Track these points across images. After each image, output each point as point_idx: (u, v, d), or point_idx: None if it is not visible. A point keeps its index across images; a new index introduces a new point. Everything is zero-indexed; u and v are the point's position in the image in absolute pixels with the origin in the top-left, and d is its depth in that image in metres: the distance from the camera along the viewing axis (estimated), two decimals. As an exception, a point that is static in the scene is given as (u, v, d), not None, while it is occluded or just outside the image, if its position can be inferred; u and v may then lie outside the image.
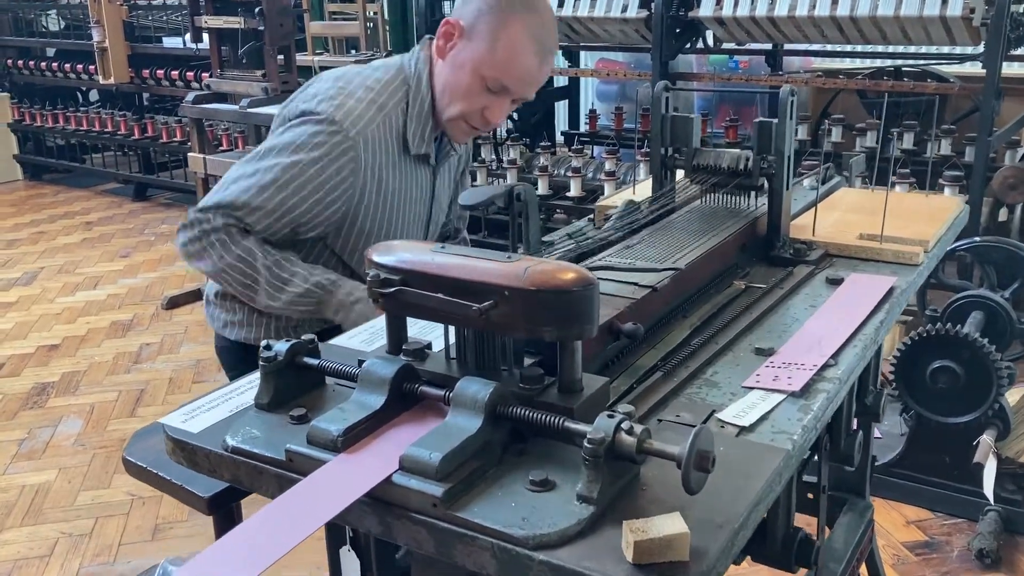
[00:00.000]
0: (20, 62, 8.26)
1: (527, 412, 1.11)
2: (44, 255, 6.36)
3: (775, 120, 1.83)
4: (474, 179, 4.97)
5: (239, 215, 1.92)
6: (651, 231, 1.82)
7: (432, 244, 1.26)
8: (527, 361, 1.27)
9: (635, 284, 1.51)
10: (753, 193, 1.93)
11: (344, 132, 1.92)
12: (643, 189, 2.15)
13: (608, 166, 4.84)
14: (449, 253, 1.22)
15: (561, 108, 6.59)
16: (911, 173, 4.16)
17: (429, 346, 1.34)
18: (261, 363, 1.27)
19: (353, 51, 7.15)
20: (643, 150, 5.04)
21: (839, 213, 2.12)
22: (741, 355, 1.47)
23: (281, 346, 1.29)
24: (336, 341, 1.58)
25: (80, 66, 7.63)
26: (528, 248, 1.57)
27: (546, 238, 1.75)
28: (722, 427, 1.24)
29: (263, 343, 1.30)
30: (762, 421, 1.25)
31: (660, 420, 1.26)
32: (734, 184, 1.90)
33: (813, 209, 2.01)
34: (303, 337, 1.32)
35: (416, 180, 2.09)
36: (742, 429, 1.23)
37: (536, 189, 1.61)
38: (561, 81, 6.49)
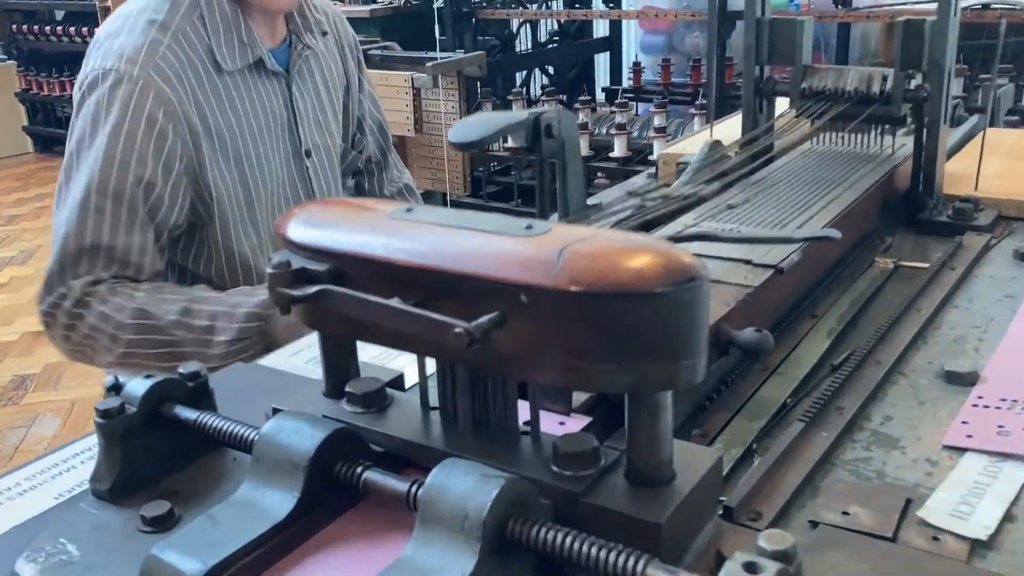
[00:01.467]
0: (25, 27, 7.79)
1: (567, 538, 0.55)
2: (45, 232, 5.91)
3: (929, 18, 1.23)
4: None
5: (88, 268, 1.36)
6: (748, 186, 1.23)
7: (390, 205, 0.69)
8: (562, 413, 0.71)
9: (748, 263, 0.94)
10: (880, 131, 1.34)
11: (126, 75, 1.38)
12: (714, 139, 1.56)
13: (657, 121, 4.21)
14: (418, 220, 0.65)
15: (601, 62, 5.95)
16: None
17: (399, 381, 0.79)
18: (98, 419, 0.72)
19: None
20: (698, 103, 4.43)
21: (1000, 160, 1.52)
22: (922, 383, 0.89)
23: (135, 387, 0.73)
24: (273, 359, 1.03)
25: (87, 29, 7.15)
26: (567, 212, 1.00)
27: (592, 200, 1.17)
28: (935, 539, 0.66)
29: (107, 380, 0.75)
30: (1007, 525, 0.67)
31: (814, 523, 0.69)
32: (865, 116, 1.30)
33: (966, 154, 1.41)
34: (182, 369, 0.77)
35: (259, 101, 1.52)
36: (975, 544, 0.65)
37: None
38: (601, 31, 5.86)
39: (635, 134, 4.41)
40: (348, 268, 0.65)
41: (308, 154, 1.61)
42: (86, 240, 1.34)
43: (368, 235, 0.65)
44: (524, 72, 5.32)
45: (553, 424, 0.76)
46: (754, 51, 1.35)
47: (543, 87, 5.18)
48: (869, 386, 0.86)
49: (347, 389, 0.73)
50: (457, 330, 0.56)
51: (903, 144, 1.34)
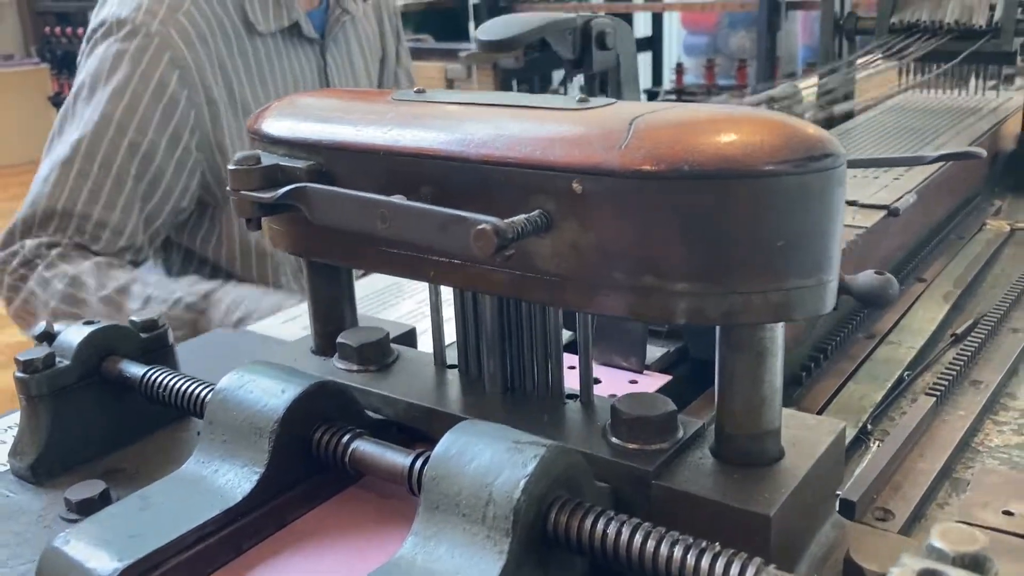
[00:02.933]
0: (58, 29, 7.79)
1: (634, 534, 0.38)
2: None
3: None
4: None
5: (52, 230, 1.21)
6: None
7: (390, 91, 0.53)
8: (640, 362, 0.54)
9: (853, 204, 0.76)
10: (984, 75, 1.15)
11: (142, 29, 1.21)
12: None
13: None
14: (430, 101, 0.48)
15: (643, 63, 5.78)
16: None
17: (410, 336, 0.62)
18: (19, 373, 0.56)
19: None
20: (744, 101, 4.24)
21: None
22: (1072, 357, 0.70)
23: (71, 335, 0.57)
24: (263, 327, 0.86)
25: (122, 33, 7.10)
26: None
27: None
28: None
29: (37, 327, 0.59)
30: None
31: (966, 525, 0.50)
32: (967, 54, 1.11)
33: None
34: (135, 316, 0.60)
35: (290, 69, 1.35)
36: None
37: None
38: (642, 30, 5.68)
39: None
40: (336, 164, 0.48)
41: None
42: (59, 203, 1.19)
43: (362, 121, 0.48)
44: (562, 72, 5.16)
45: (619, 384, 0.59)
46: None
47: (581, 87, 5.01)
48: (1008, 357, 0.67)
49: (339, 340, 0.56)
50: (482, 227, 0.38)
51: (1010, 97, 1.15)
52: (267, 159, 0.50)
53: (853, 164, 0.76)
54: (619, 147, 0.39)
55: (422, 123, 0.46)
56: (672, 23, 5.84)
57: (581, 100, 0.45)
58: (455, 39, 3.94)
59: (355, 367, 0.55)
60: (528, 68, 4.35)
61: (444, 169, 0.44)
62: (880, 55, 1.12)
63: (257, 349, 0.74)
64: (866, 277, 0.67)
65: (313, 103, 0.52)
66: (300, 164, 0.49)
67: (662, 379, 0.63)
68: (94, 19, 1.26)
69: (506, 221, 0.39)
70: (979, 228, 0.97)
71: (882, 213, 0.79)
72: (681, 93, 5.44)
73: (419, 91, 0.51)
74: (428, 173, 0.45)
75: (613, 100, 0.45)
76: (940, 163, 0.85)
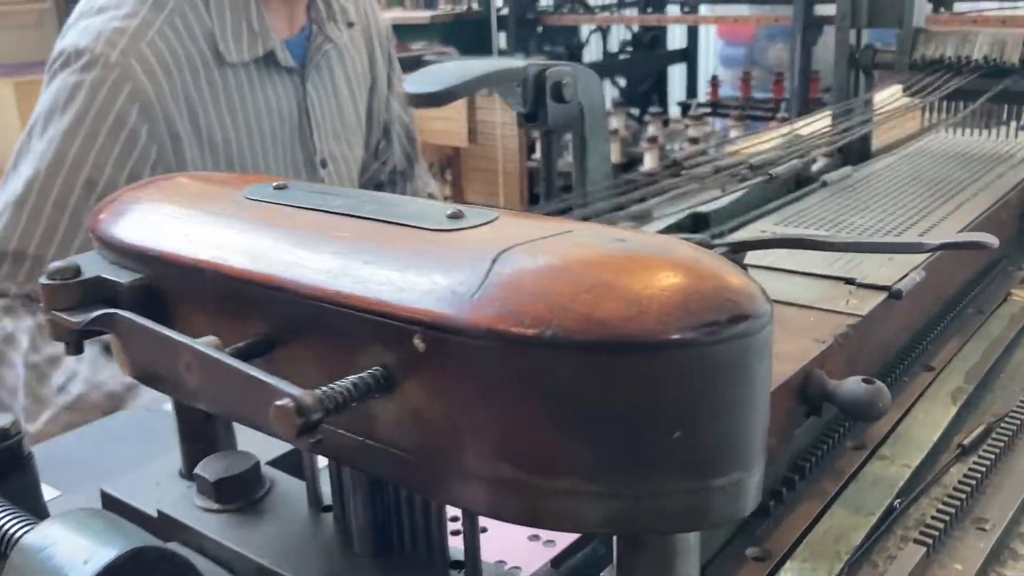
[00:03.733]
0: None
1: None
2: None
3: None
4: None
5: (6, 275, 1.13)
6: (835, 189, 0.95)
7: (259, 180, 0.44)
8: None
9: (850, 282, 0.67)
10: (1013, 116, 1.03)
11: (101, 59, 1.13)
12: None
13: (734, 136, 3.91)
14: (285, 204, 0.39)
15: (677, 75, 5.65)
16: None
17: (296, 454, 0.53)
18: None
19: None
20: (779, 115, 4.11)
21: None
22: (1102, 481, 0.59)
23: None
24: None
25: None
26: (581, 187, 0.74)
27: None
28: None
29: None
30: None
31: None
32: (997, 92, 1.00)
33: None
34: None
35: (265, 101, 1.26)
36: None
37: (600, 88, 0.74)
38: (677, 42, 5.56)
39: (711, 149, 4.10)
40: (165, 280, 0.40)
41: (324, 164, 1.36)
42: (10, 244, 1.11)
43: (196, 227, 0.39)
44: (593, 84, 5.05)
45: (515, 537, 0.49)
46: (849, 10, 1.06)
47: (613, 101, 4.91)
48: (1021, 484, 0.57)
49: (196, 471, 0.47)
50: (282, 402, 0.29)
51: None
52: (94, 266, 0.41)
53: (834, 248, 0.66)
54: (470, 297, 0.30)
55: (257, 237, 0.37)
56: (709, 34, 5.72)
57: (453, 216, 0.35)
58: (480, 52, 3.86)
59: (213, 506, 0.46)
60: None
61: (275, 301, 0.35)
62: (900, 93, 1.01)
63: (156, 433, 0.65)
64: (852, 386, 0.57)
65: (156, 195, 0.43)
66: (123, 279, 0.40)
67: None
68: (55, 49, 1.19)
69: (320, 392, 0.30)
70: (1003, 299, 0.85)
71: (882, 296, 0.68)
72: (716, 106, 5.31)
73: (279, 187, 0.42)
74: (260, 303, 0.36)
75: (494, 216, 0.35)
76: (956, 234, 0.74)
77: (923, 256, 0.75)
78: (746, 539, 0.54)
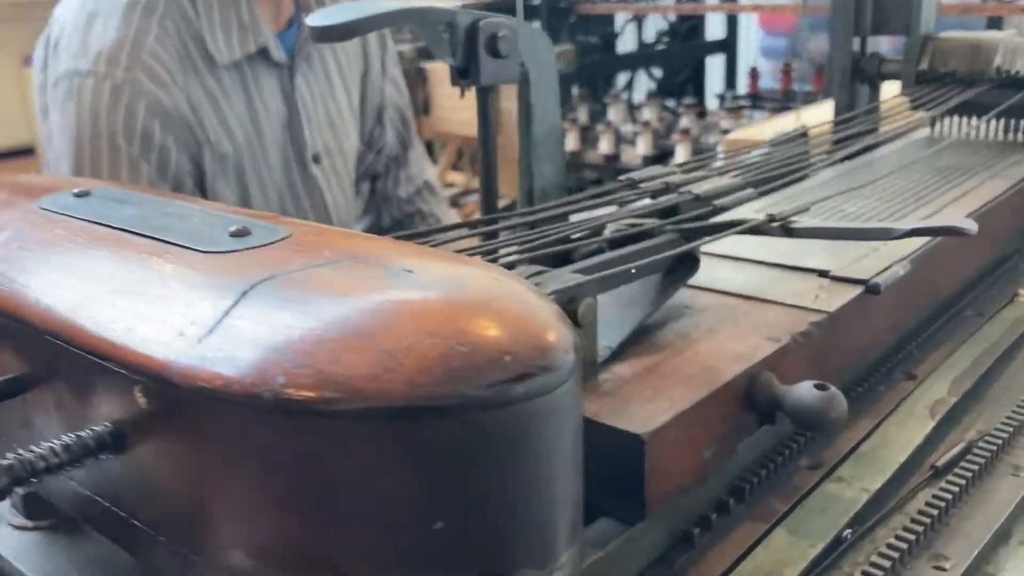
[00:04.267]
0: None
1: None
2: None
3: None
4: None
5: None
6: (832, 173, 0.87)
7: (70, 185, 0.38)
8: None
9: (823, 275, 0.60)
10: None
11: (109, 82, 1.09)
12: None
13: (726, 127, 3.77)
14: (76, 216, 0.33)
15: (715, 66, 5.52)
16: None
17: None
18: None
19: None
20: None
21: None
22: (1095, 513, 0.50)
23: None
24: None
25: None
26: (530, 200, 0.68)
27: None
28: None
29: None
30: None
31: None
32: (1014, 103, 0.91)
33: None
34: None
35: (258, 99, 1.21)
36: None
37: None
38: (717, 32, 5.43)
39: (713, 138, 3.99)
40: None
41: (316, 159, 1.30)
42: None
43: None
44: (629, 75, 4.97)
45: None
46: (852, 15, 0.97)
47: (648, 92, 4.81)
48: (997, 517, 0.48)
49: (7, 486, 0.41)
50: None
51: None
52: None
53: (797, 234, 0.58)
54: (197, 341, 0.23)
55: (21, 258, 0.31)
56: (749, 24, 5.58)
57: (237, 234, 0.29)
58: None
59: (26, 523, 0.40)
60: (585, 71, 4.18)
61: (23, 335, 0.29)
62: (907, 105, 0.93)
63: None
64: (803, 392, 0.50)
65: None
66: None
67: None
68: (49, 70, 1.15)
69: (10, 459, 0.24)
70: (1008, 301, 0.77)
71: (858, 290, 0.61)
72: (756, 98, 5.18)
73: (81, 193, 0.35)
74: (12, 336, 0.30)
75: (286, 233, 0.29)
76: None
77: (913, 246, 0.67)
78: (663, 573, 0.47)
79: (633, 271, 0.57)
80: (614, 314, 0.60)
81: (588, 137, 4.03)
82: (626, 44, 5.04)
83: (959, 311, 0.74)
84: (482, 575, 0.23)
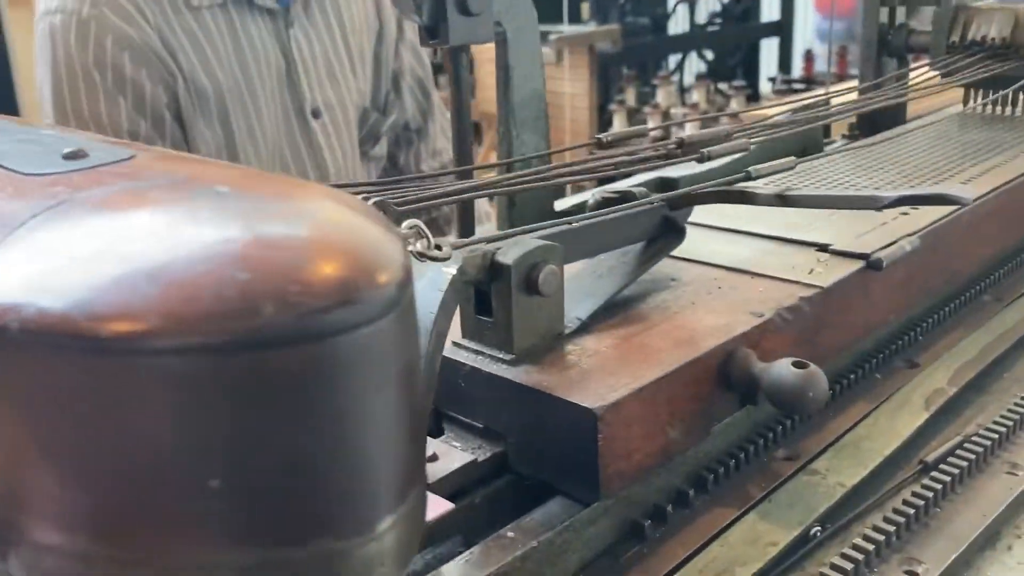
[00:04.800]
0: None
1: None
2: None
3: None
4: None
5: None
6: (854, 151, 0.82)
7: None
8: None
9: (823, 249, 0.56)
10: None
11: (75, 19, 1.08)
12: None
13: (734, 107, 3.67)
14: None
15: (769, 49, 5.39)
16: None
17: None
18: None
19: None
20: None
21: None
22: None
23: None
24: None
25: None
26: (504, 127, 0.64)
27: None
28: None
29: None
30: None
31: None
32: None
33: None
34: None
35: (248, 47, 1.17)
36: None
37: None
38: (770, 14, 5.30)
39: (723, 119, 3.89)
40: None
41: (316, 114, 1.26)
42: None
43: None
44: (679, 57, 4.87)
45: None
46: None
47: (697, 74, 4.71)
48: (984, 518, 0.44)
49: None
50: None
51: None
52: None
53: (784, 203, 0.54)
54: None
55: None
56: (806, 6, 5.44)
57: (71, 156, 0.26)
58: (552, 21, 3.72)
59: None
60: (635, 52, 4.10)
61: None
62: (936, 75, 0.87)
63: None
64: (780, 370, 0.45)
65: None
66: None
67: (438, 507, 0.44)
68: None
69: None
70: (1032, 287, 0.71)
71: (858, 265, 0.56)
72: (809, 82, 5.05)
73: None
74: None
75: (128, 155, 0.26)
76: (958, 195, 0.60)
77: (924, 221, 0.62)
78: (608, 566, 0.43)
79: (599, 229, 0.53)
80: (589, 284, 0.57)
81: (636, 119, 3.96)
82: (677, 25, 4.94)
83: (975, 295, 0.68)
84: (269, 543, 0.20)
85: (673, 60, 4.89)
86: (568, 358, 0.49)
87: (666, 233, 0.58)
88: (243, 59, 1.16)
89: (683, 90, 4.58)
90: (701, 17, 4.99)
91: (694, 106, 4.09)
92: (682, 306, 0.54)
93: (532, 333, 0.50)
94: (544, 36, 3.29)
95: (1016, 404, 0.52)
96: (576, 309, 0.54)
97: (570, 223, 0.55)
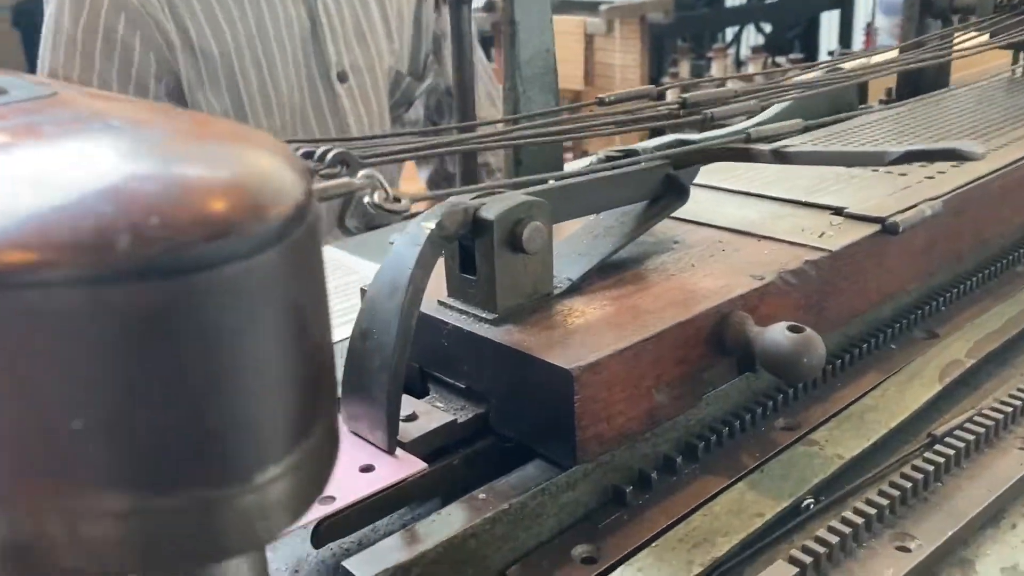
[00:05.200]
0: None
1: None
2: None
3: None
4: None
5: None
6: (883, 114, 0.78)
7: None
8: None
9: (838, 212, 0.53)
10: None
11: None
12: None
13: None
14: None
15: (830, 21, 5.24)
16: None
17: None
18: None
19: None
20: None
21: None
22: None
23: None
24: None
25: None
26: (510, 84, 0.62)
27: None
28: None
29: None
30: None
31: None
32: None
33: None
34: None
35: (269, 8, 1.14)
36: None
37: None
38: (833, -14, 5.15)
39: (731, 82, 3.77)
40: None
41: (343, 78, 1.24)
42: None
43: None
44: (736, 29, 4.76)
45: (346, 472, 0.38)
46: None
47: (753, 47, 4.60)
48: (989, 494, 0.41)
49: None
50: None
51: None
52: None
53: (783, 159, 0.51)
54: None
55: None
56: (870, -22, 5.26)
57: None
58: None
59: None
60: (690, 23, 4.02)
61: None
62: (984, 37, 0.82)
63: None
64: (775, 334, 0.43)
65: None
66: None
67: (411, 467, 0.42)
68: None
69: None
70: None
71: (873, 229, 0.53)
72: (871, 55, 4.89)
73: None
74: None
75: (48, 92, 0.24)
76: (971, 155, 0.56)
77: (951, 185, 0.59)
78: (585, 531, 0.41)
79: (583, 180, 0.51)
80: (584, 244, 0.54)
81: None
82: (735, -2, 4.83)
83: (1007, 266, 0.64)
84: (139, 489, 0.18)
85: (731, 33, 4.79)
86: (554, 319, 0.47)
87: (668, 193, 0.55)
88: (261, 20, 1.14)
89: (739, 63, 4.48)
90: (760, -12, 4.87)
91: (748, 79, 3.99)
92: (681, 268, 0.52)
93: (517, 292, 0.47)
94: (594, 6, 3.24)
95: (1034, 379, 0.49)
96: (568, 269, 0.52)
97: (563, 179, 0.52)
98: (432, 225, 0.44)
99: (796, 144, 0.65)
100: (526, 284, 0.48)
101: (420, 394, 0.49)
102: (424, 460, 0.44)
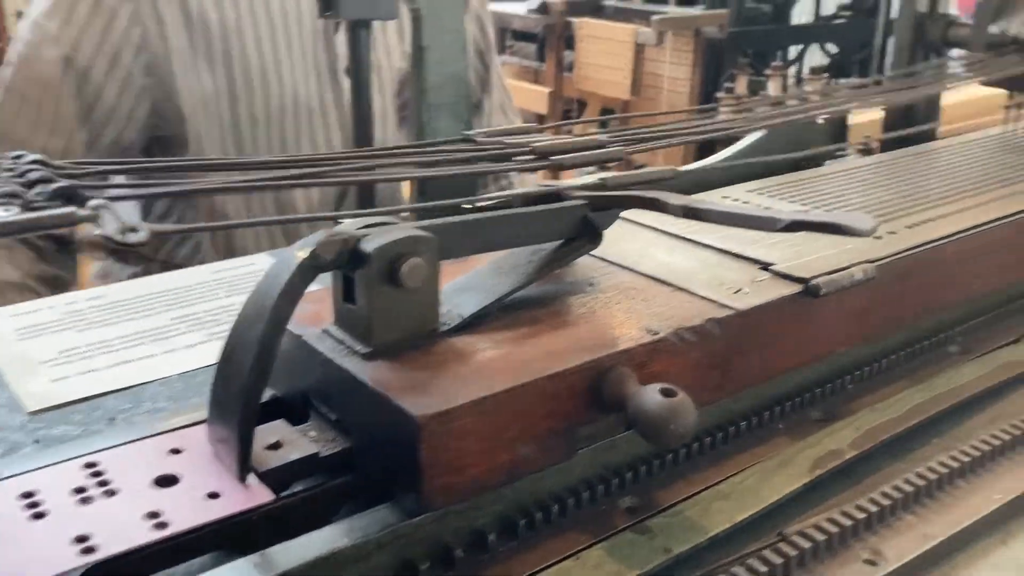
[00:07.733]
0: None
1: None
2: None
3: None
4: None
5: None
6: (856, 165, 0.76)
7: None
8: None
9: (765, 267, 0.52)
10: None
11: None
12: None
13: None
14: None
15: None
16: None
17: None
18: None
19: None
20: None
21: None
22: None
23: None
24: None
25: None
26: (416, 114, 0.61)
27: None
28: None
29: None
30: None
31: None
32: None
33: None
34: None
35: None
36: None
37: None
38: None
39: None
40: None
41: (350, 73, 1.24)
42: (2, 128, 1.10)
43: None
44: (800, 48, 4.67)
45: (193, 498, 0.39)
46: None
47: (812, 68, 4.51)
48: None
49: None
50: None
51: None
52: None
53: (692, 215, 0.49)
54: None
55: None
56: (945, 5, 5.12)
57: None
58: (659, 1, 3.59)
59: None
60: (753, 39, 3.95)
61: None
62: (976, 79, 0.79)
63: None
64: (648, 395, 0.42)
65: None
66: None
67: (258, 498, 0.42)
68: None
69: None
70: (1011, 340, 0.63)
71: (794, 290, 0.51)
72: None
73: None
74: None
75: None
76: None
77: (903, 245, 0.57)
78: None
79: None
80: (485, 281, 0.53)
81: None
82: (801, 15, 4.73)
83: (937, 345, 0.62)
84: None
85: (794, 51, 4.70)
86: (428, 359, 0.46)
87: (582, 235, 0.54)
88: (270, 11, 1.14)
89: (799, 82, 4.40)
90: (828, 8, 4.76)
91: (803, 99, 3.91)
92: (581, 314, 0.51)
93: (395, 327, 0.47)
94: (645, 16, 3.20)
95: (918, 475, 0.47)
96: (464, 305, 0.51)
97: (476, 211, 0.52)
98: (305, 254, 0.44)
99: (722, 196, 0.63)
100: (407, 319, 0.47)
101: (300, 421, 0.49)
102: (279, 491, 0.44)
